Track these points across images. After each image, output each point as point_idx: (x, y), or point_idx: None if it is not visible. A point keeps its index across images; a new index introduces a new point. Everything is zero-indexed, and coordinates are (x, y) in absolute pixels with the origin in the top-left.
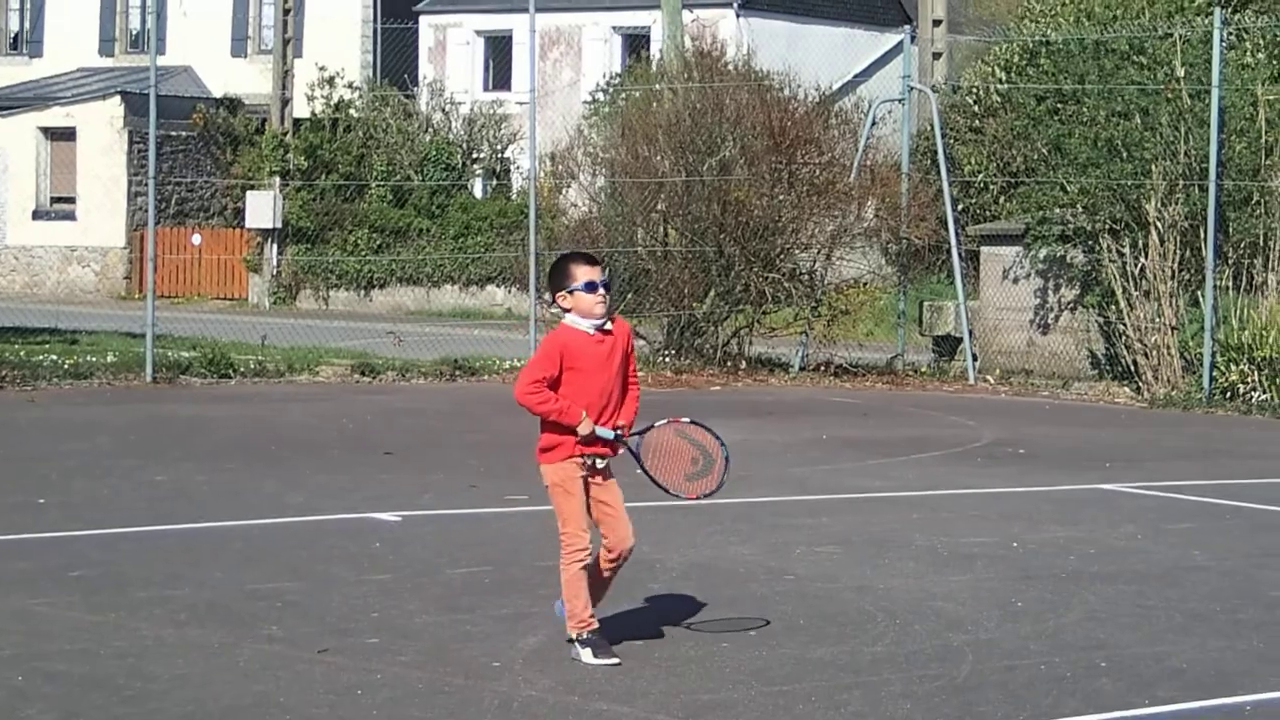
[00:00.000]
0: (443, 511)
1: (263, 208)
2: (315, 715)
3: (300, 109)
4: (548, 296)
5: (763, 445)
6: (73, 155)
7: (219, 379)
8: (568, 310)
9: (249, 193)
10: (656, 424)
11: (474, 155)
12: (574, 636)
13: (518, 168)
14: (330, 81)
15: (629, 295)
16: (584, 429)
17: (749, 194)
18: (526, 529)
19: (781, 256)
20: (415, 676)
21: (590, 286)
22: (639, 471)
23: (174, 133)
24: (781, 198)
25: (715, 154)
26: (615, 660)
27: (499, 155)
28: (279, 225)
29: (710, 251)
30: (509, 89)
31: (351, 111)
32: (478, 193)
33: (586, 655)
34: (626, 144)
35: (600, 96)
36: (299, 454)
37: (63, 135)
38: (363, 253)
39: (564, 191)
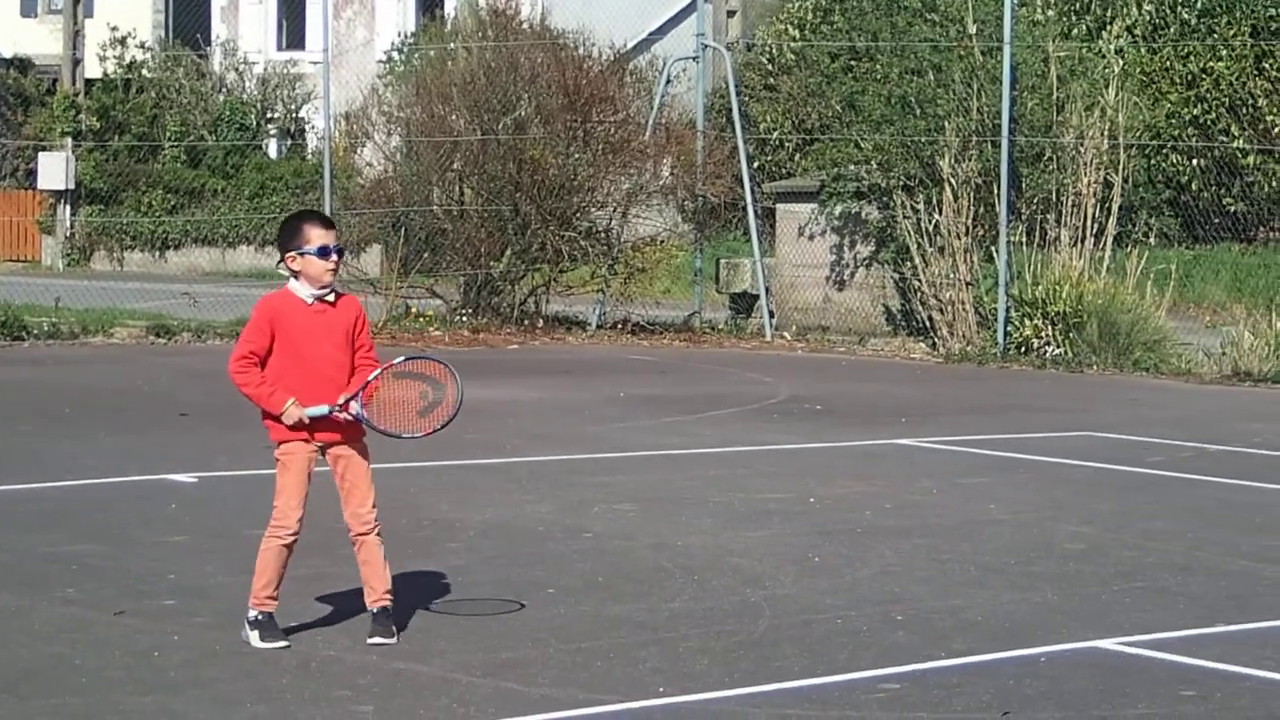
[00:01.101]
0: (240, 472)
1: (55, 169)
2: (113, 677)
3: (92, 69)
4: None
5: (560, 403)
6: None
7: (12, 341)
8: (296, 274)
9: (41, 154)
10: (370, 378)
11: (268, 115)
12: (249, 616)
13: (313, 127)
14: (122, 42)
15: (425, 254)
16: (288, 418)
17: (544, 152)
18: (323, 490)
19: (578, 215)
20: (213, 637)
21: (324, 251)
22: (376, 431)
23: None
24: (577, 156)
25: (511, 112)
26: (285, 643)
27: (294, 115)
28: (72, 186)
29: (507, 210)
30: (303, 48)
31: (144, 72)
32: (273, 153)
33: (254, 638)
34: (421, 103)
35: (395, 55)
36: (94, 416)
37: None
38: (157, 213)
39: (359, 151)
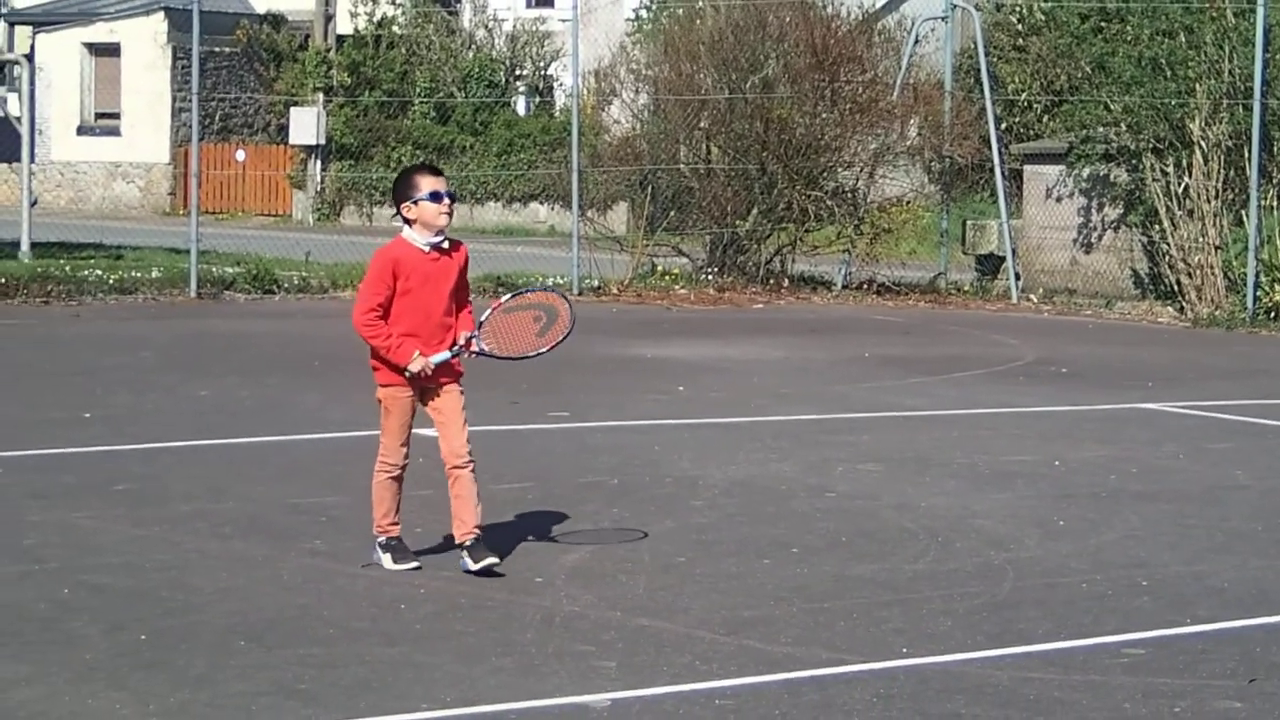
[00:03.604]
0: (485, 427)
1: (306, 124)
2: (358, 629)
3: (343, 25)
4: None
5: (805, 362)
6: (117, 71)
7: (263, 295)
8: (411, 222)
9: (293, 109)
10: (482, 318)
11: (517, 72)
12: (378, 541)
13: (561, 85)
14: None
15: (671, 213)
16: (415, 366)
17: (792, 112)
18: (568, 445)
19: (824, 175)
20: (458, 591)
21: (435, 196)
22: (501, 359)
23: (217, 49)
24: (824, 116)
25: (758, 71)
26: (416, 564)
27: (542, 73)
28: (323, 141)
29: (753, 169)
30: (552, 6)
31: (394, 28)
32: (521, 110)
33: (387, 560)
34: (669, 61)
35: (643, 13)
36: (342, 370)
37: (107, 51)
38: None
39: (607, 109)
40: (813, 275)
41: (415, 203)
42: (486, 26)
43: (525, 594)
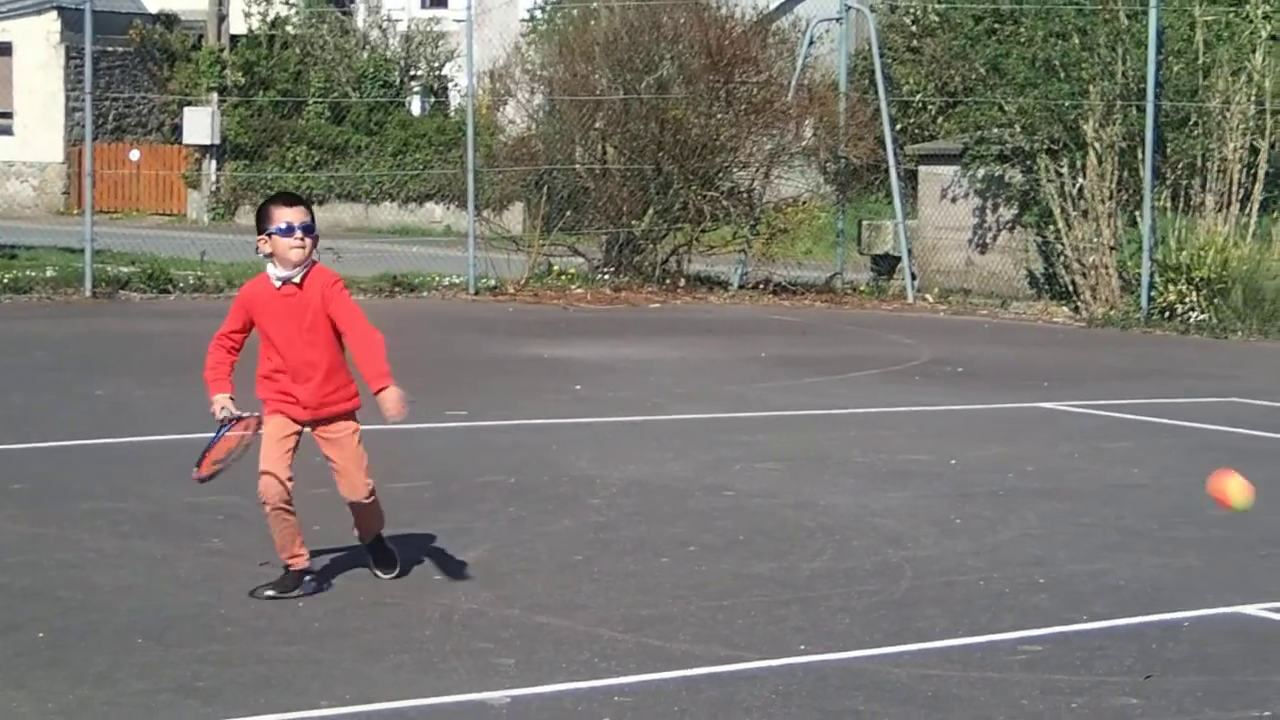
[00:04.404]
0: (381, 426)
1: (201, 124)
2: (258, 626)
3: (237, 25)
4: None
5: (701, 363)
6: (9, 70)
7: (158, 294)
8: (270, 255)
9: (186, 109)
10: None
11: (411, 72)
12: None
13: (455, 85)
14: None
15: (567, 212)
16: (214, 408)
17: (687, 112)
18: (465, 444)
19: (720, 175)
20: (357, 589)
21: (286, 230)
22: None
23: (111, 48)
24: (720, 116)
25: (653, 72)
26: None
27: (436, 73)
28: (217, 141)
29: (649, 169)
30: (446, 6)
31: (288, 28)
32: (415, 110)
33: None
34: (564, 62)
35: (538, 14)
36: (239, 370)
37: None
38: (301, 169)
39: (502, 109)
40: (709, 275)
41: (270, 235)
42: (381, 27)
43: (424, 592)
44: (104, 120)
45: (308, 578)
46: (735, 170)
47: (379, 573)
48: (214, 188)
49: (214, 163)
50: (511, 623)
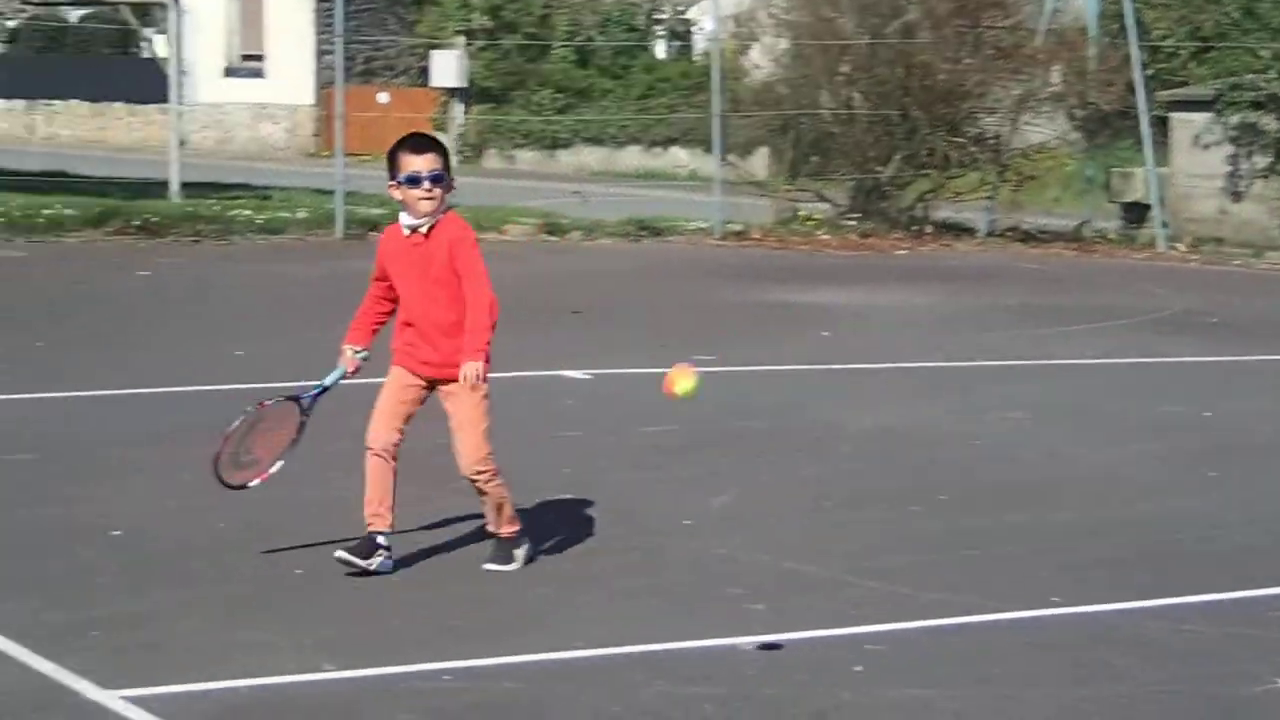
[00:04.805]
0: (632, 370)
1: (448, 67)
2: (506, 570)
3: None
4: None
5: (950, 310)
6: (261, 13)
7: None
8: (402, 202)
9: (434, 52)
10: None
11: (656, 16)
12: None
13: (700, 29)
14: None
15: (813, 158)
16: (341, 359)
17: (934, 57)
18: (717, 390)
19: (966, 120)
20: (608, 533)
21: (413, 180)
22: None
23: None
24: (967, 61)
25: (900, 16)
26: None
27: (681, 16)
28: (464, 84)
29: (895, 115)
30: None
31: None
32: (660, 54)
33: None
34: (810, 6)
35: None
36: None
37: None
38: (547, 112)
39: (747, 53)
40: (956, 222)
41: (399, 184)
42: None
43: (675, 536)
44: (353, 63)
45: (382, 553)
46: (982, 116)
47: (488, 564)
48: (460, 130)
49: (460, 106)
50: (761, 568)
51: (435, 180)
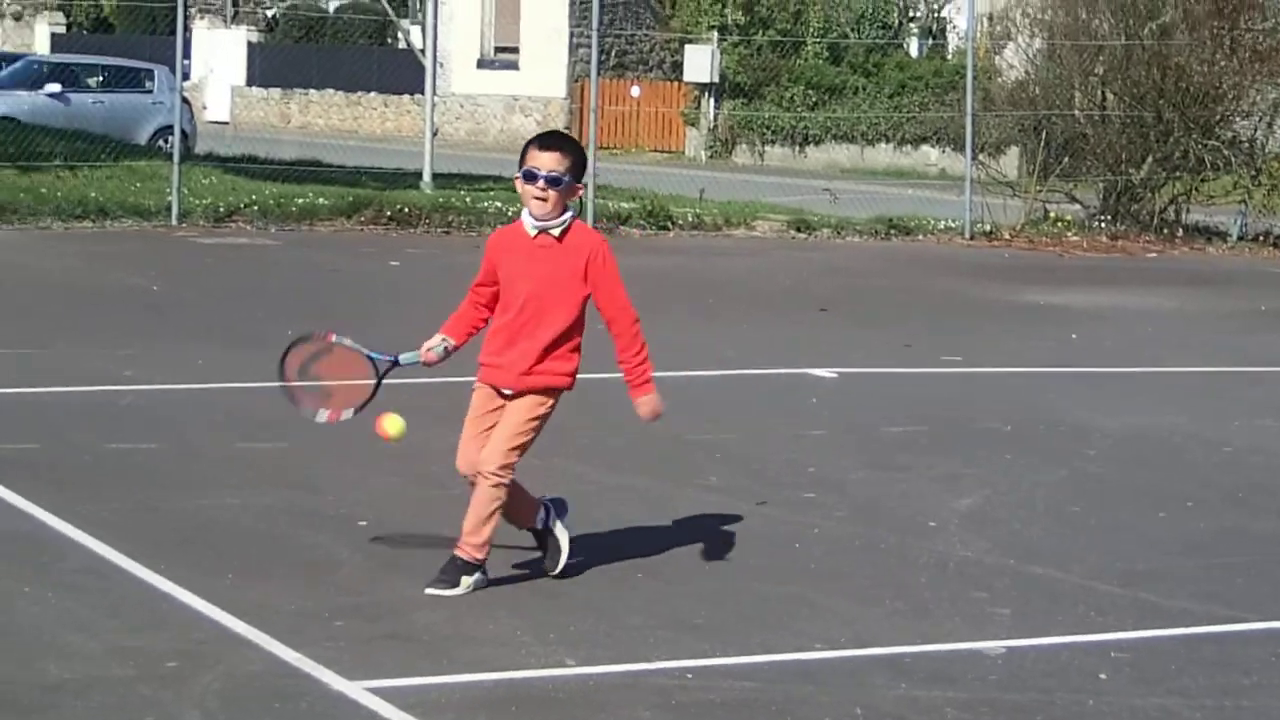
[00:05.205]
0: (878, 369)
1: (700, 62)
2: (753, 565)
3: None
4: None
5: (1199, 313)
6: (516, 5)
7: (657, 230)
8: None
9: (687, 46)
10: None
11: (910, 14)
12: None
13: (954, 28)
14: None
15: (1064, 159)
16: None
17: (1190, 59)
18: (962, 390)
19: (1221, 123)
20: (851, 533)
21: (529, 176)
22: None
23: None
24: (1223, 64)
25: (1156, 18)
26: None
27: (936, 14)
28: (716, 79)
29: (1149, 117)
30: None
31: None
32: (913, 52)
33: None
34: (1065, 6)
35: None
36: (735, 307)
37: None
38: (798, 109)
39: (1001, 52)
40: (1207, 225)
41: (519, 177)
42: None
43: (918, 537)
44: (606, 57)
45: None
46: (1237, 119)
47: (431, 586)
48: (712, 125)
49: (712, 101)
50: (1006, 572)
51: (551, 182)
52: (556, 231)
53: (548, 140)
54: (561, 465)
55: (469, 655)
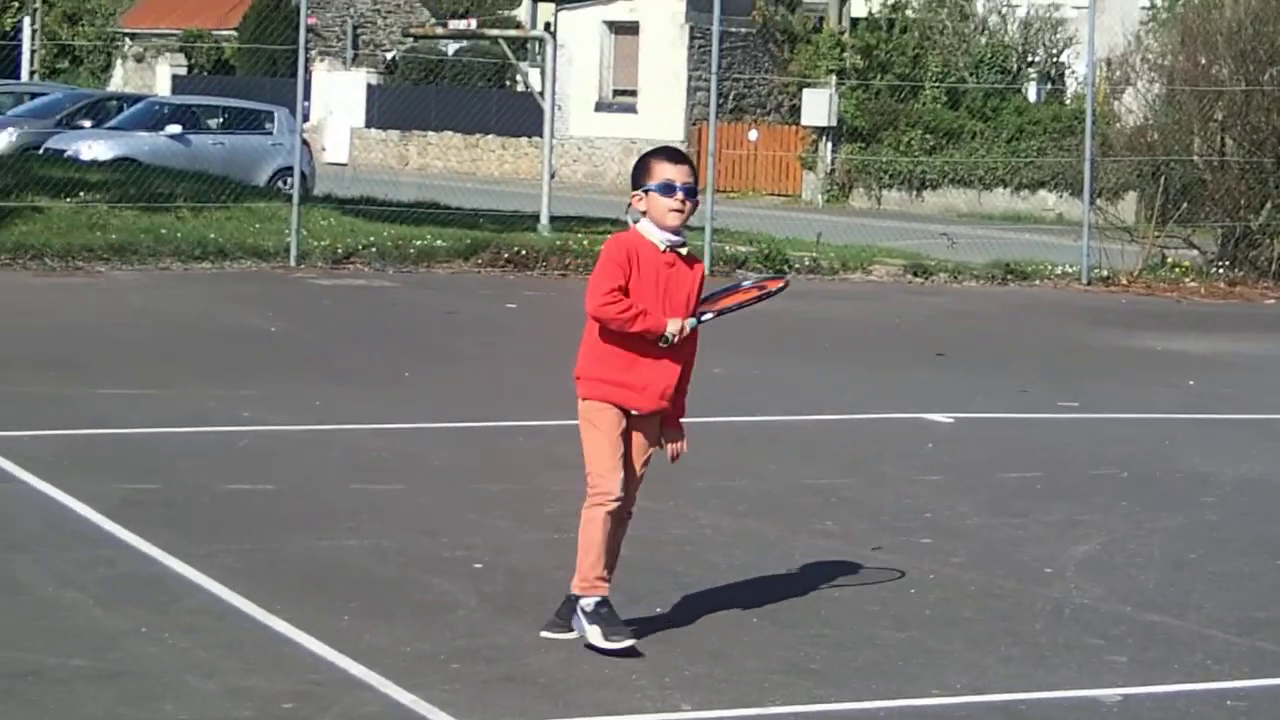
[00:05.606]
0: (994, 415)
1: (819, 106)
2: (869, 611)
3: (858, 8)
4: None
5: None
6: (635, 49)
7: (774, 274)
8: (643, 214)
9: (805, 90)
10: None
11: (1029, 59)
12: (580, 601)
13: (1073, 72)
14: None
15: (1183, 204)
16: (673, 328)
17: None
18: (1079, 436)
19: None
20: (967, 578)
21: (667, 188)
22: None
23: (734, 29)
24: None
25: (1277, 63)
26: (629, 643)
27: (1054, 59)
28: (834, 123)
29: (1268, 163)
30: None
31: (908, 12)
32: (1031, 96)
33: (593, 635)
34: (1185, 51)
35: (1159, 2)
36: (852, 351)
37: (626, 29)
38: (915, 153)
39: (1120, 97)
40: None
41: (646, 192)
42: (1000, 12)
43: (1034, 584)
44: (724, 100)
45: (590, 608)
46: None
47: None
48: (829, 169)
49: (830, 144)
50: (1123, 619)
51: (688, 193)
52: (684, 250)
53: (676, 154)
54: (677, 509)
55: (585, 699)
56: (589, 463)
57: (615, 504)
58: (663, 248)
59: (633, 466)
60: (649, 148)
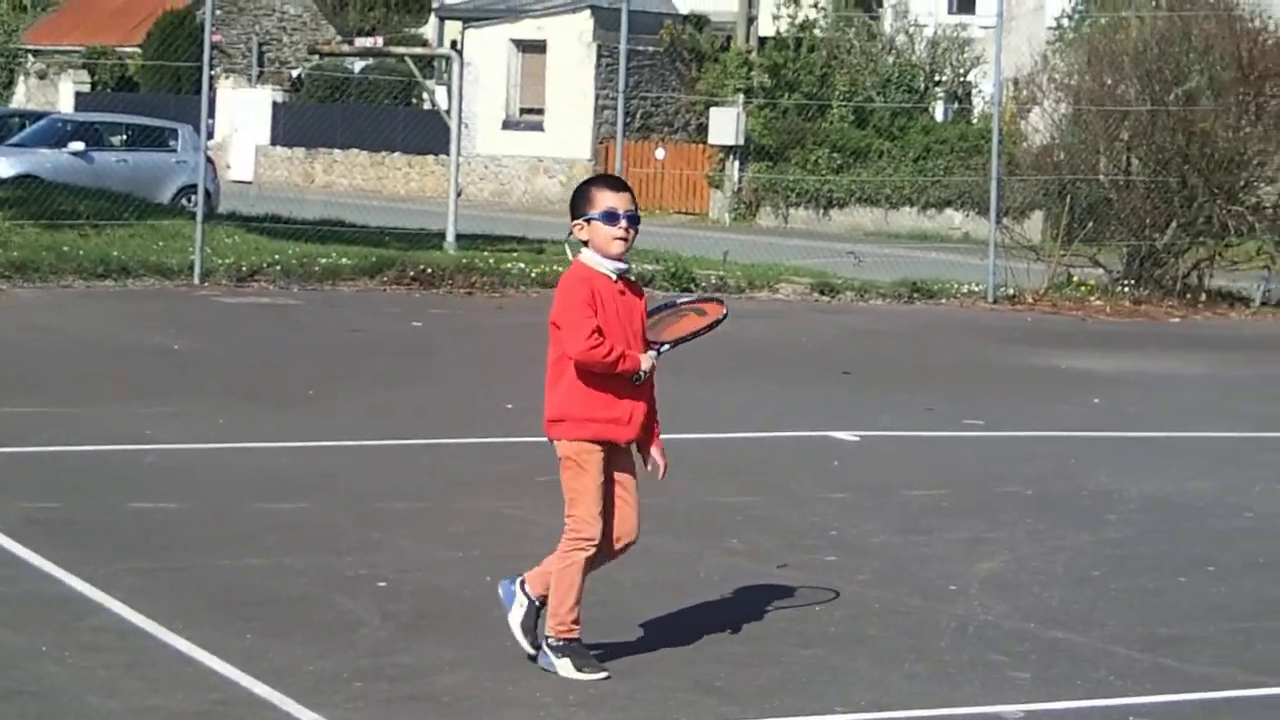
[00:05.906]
0: (900, 433)
1: (726, 124)
2: (776, 628)
3: (765, 27)
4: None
5: (1223, 379)
6: (542, 67)
7: (681, 292)
8: (584, 243)
9: (712, 109)
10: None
11: (936, 78)
12: (550, 641)
13: (980, 92)
14: (796, 1)
15: (1089, 223)
16: (646, 364)
17: (1215, 125)
18: (984, 454)
19: (1246, 189)
20: (872, 596)
21: (610, 216)
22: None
23: (641, 48)
24: (1248, 130)
25: (1182, 84)
26: (603, 674)
27: (961, 79)
28: (741, 142)
29: (1173, 182)
30: (973, 12)
31: (816, 31)
32: (939, 116)
33: (564, 667)
34: (1091, 71)
35: (1065, 22)
36: (759, 369)
37: (533, 47)
38: (823, 172)
39: (1026, 117)
40: (1230, 291)
41: (588, 221)
42: (907, 32)
43: (939, 601)
44: (631, 118)
45: (560, 643)
46: (1262, 185)
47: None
48: (736, 188)
49: (737, 163)
50: (1027, 636)
51: (632, 221)
52: (632, 276)
53: (617, 182)
54: None
55: (488, 718)
56: (573, 507)
57: (594, 550)
58: (613, 277)
59: (626, 499)
60: (554, 165)
